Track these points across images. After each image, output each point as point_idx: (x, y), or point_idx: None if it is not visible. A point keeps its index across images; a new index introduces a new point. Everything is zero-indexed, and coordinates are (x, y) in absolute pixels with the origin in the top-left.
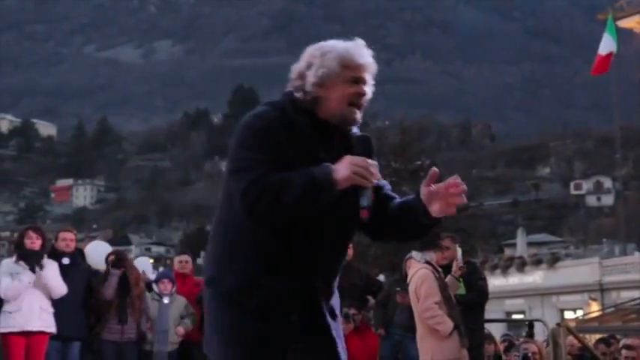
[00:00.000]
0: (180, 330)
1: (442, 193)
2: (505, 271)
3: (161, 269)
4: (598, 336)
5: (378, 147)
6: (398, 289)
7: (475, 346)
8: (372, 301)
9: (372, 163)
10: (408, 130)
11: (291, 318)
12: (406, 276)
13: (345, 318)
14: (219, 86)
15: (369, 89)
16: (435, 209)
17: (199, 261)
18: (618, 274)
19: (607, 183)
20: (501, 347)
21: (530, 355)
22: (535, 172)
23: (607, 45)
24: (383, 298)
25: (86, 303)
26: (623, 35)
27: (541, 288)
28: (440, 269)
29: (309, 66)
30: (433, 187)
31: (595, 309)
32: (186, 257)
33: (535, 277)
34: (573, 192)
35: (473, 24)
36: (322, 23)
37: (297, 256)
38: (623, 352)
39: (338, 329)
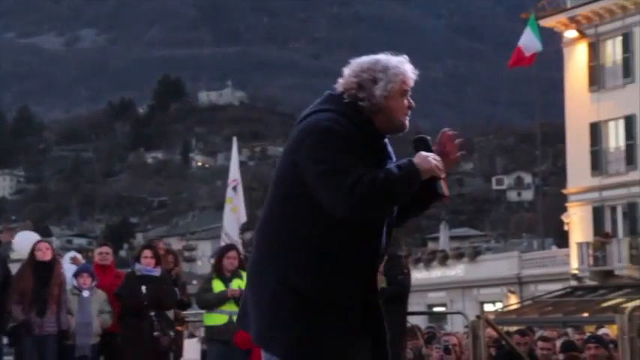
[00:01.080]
0: (100, 324)
1: (441, 152)
2: (428, 264)
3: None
4: (516, 328)
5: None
6: None
7: (392, 339)
8: None
9: (439, 158)
10: None
11: (354, 316)
12: None
13: None
14: (145, 76)
15: None
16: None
17: (122, 253)
18: (536, 267)
19: (527, 178)
20: (423, 340)
21: (450, 346)
22: (458, 166)
23: (531, 44)
24: None
25: (3, 292)
26: (544, 34)
27: (462, 281)
28: None
29: (374, 80)
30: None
31: (514, 302)
32: (106, 249)
33: (457, 271)
34: (495, 187)
35: (400, 19)
36: (249, 15)
37: (360, 258)
38: (539, 343)
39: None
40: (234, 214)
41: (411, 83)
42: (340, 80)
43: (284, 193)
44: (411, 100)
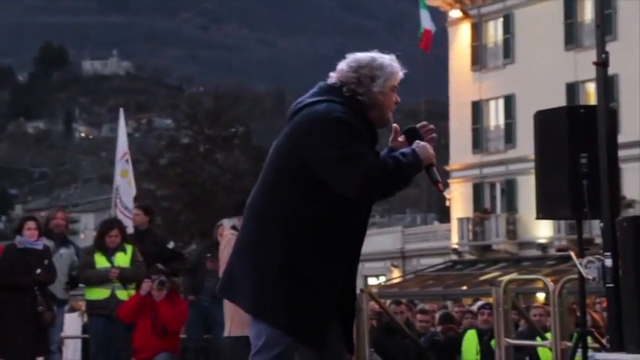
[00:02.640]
0: None
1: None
2: None
3: None
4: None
5: (192, 113)
6: (208, 255)
7: None
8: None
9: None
10: (223, 97)
11: (336, 295)
12: (217, 243)
13: (159, 285)
14: (25, 43)
15: None
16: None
17: (0, 225)
18: (419, 242)
19: None
20: None
21: None
22: None
23: (430, 24)
24: (193, 265)
25: None
26: (430, 13)
27: None
28: None
29: (372, 77)
30: (401, 138)
31: (397, 275)
32: None
33: None
34: None
35: None
36: None
37: (352, 239)
38: (418, 316)
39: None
40: (130, 187)
41: (399, 80)
42: (335, 73)
43: (286, 176)
44: (397, 96)
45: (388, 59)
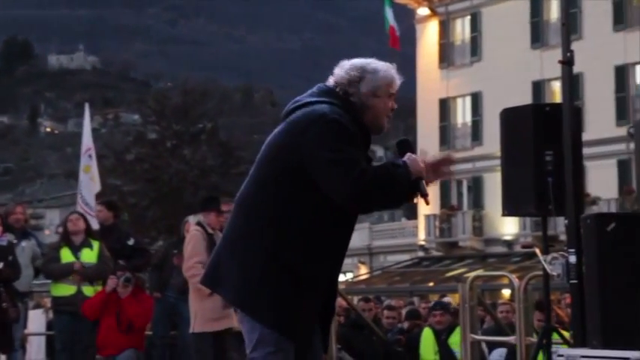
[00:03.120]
0: None
1: (434, 166)
2: None
3: None
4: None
5: (159, 109)
6: (175, 251)
7: None
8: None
9: (425, 160)
10: (191, 92)
11: (321, 292)
12: (184, 239)
13: (125, 282)
14: None
15: None
16: (429, 179)
17: None
18: (386, 238)
19: (379, 152)
20: None
21: None
22: None
23: (390, 19)
24: (159, 261)
25: None
26: (398, 10)
27: None
28: (212, 231)
29: (361, 78)
30: (428, 160)
31: (364, 272)
32: None
33: None
34: None
35: None
36: None
37: (339, 239)
38: (385, 312)
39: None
40: (93, 183)
41: (396, 88)
42: (331, 78)
43: (278, 173)
44: (394, 103)
45: (384, 65)
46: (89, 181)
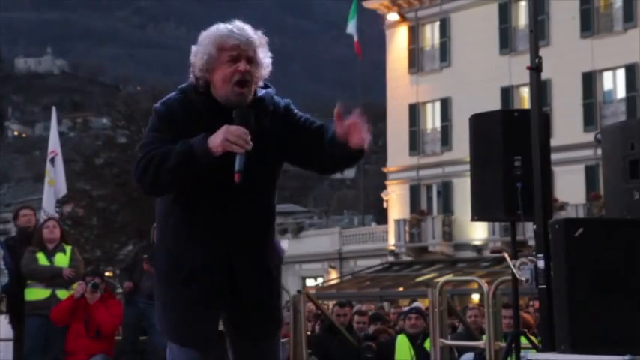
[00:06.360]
0: None
1: (353, 128)
2: None
3: None
4: (336, 302)
5: (128, 112)
6: (145, 256)
7: None
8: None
9: (245, 131)
10: (160, 96)
11: (215, 283)
12: (153, 243)
13: (92, 288)
14: None
15: (257, 64)
16: (354, 142)
17: None
18: (356, 243)
19: None
20: None
21: None
22: None
23: (352, 30)
24: (129, 266)
25: None
26: (368, 16)
27: (285, 256)
28: None
29: (195, 53)
30: (345, 124)
31: (334, 277)
32: None
33: (281, 246)
34: None
35: None
36: None
37: (206, 222)
38: (355, 317)
39: (268, 286)
40: (51, 187)
41: (244, 47)
42: None
43: None
44: (245, 66)
45: (215, 29)
46: (47, 186)
